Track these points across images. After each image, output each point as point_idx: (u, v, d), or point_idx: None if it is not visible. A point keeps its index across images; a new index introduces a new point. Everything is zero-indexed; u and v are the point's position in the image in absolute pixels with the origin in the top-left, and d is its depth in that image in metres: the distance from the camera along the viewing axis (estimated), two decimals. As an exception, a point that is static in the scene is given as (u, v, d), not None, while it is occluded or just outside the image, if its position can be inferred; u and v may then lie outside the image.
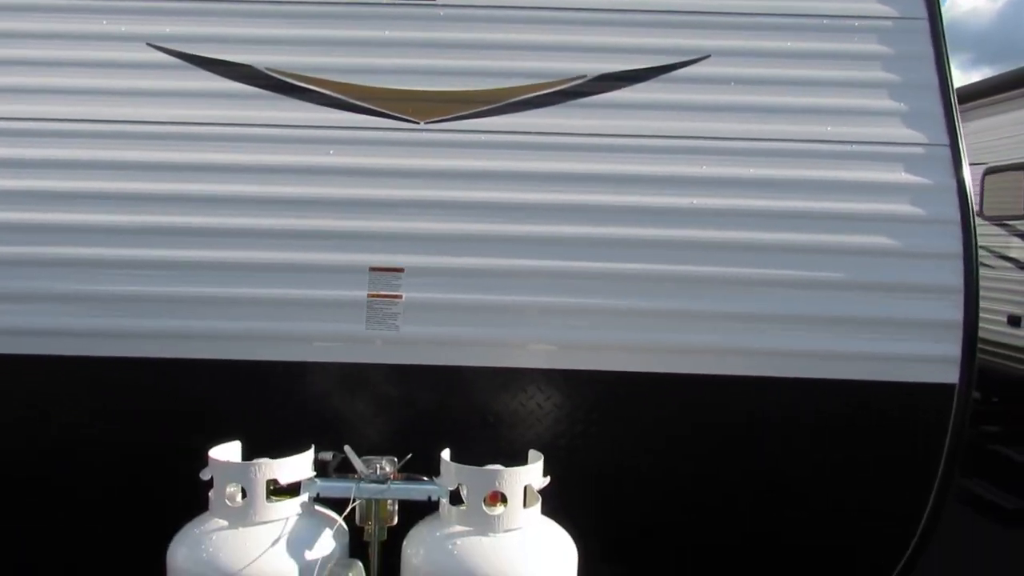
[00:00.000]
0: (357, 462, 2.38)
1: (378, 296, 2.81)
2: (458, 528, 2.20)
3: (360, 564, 2.04)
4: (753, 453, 2.91)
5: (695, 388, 2.83)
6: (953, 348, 2.82)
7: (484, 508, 2.18)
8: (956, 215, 2.86)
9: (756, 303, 2.82)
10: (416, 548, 2.19)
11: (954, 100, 3.00)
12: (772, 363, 2.83)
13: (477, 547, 2.13)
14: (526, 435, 2.84)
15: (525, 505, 2.26)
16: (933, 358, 2.84)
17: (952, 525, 5.64)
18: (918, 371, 2.84)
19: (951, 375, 2.83)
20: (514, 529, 2.19)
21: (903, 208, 2.88)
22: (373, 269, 2.82)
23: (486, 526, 2.17)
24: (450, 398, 2.83)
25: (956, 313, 2.82)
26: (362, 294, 2.80)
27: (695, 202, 2.88)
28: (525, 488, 2.24)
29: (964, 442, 2.88)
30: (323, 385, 2.79)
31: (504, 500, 2.25)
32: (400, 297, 2.81)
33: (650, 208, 2.87)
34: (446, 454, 2.36)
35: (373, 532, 2.35)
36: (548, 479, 2.33)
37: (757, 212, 2.87)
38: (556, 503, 2.47)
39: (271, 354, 2.77)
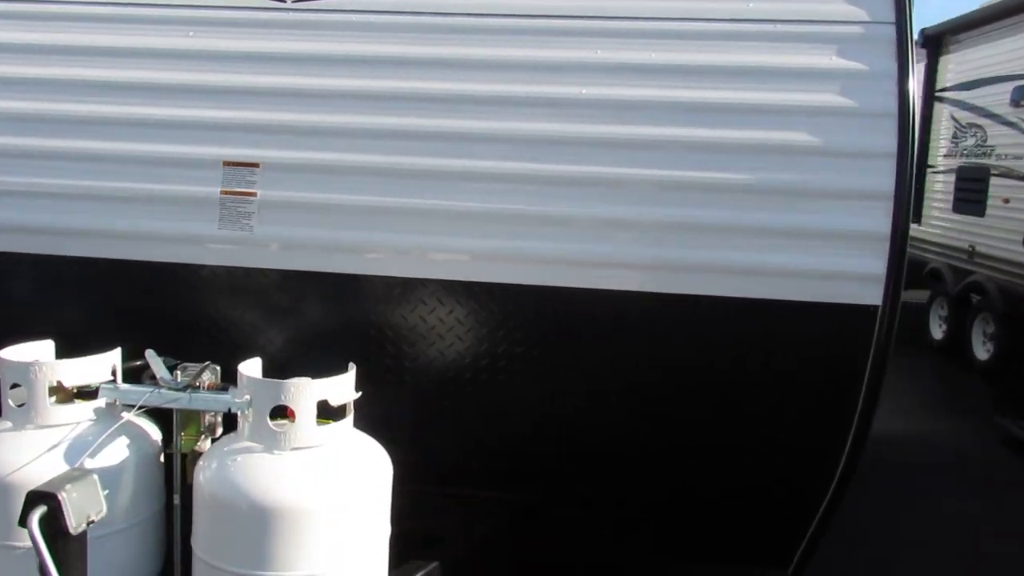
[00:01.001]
0: (158, 367, 2.21)
1: (231, 193, 2.59)
2: (245, 444, 2.01)
3: (94, 477, 1.88)
4: (648, 378, 2.60)
5: (575, 303, 2.52)
6: (876, 264, 2.41)
7: (269, 424, 1.97)
8: (893, 107, 2.41)
9: (647, 209, 2.46)
10: (207, 462, 2.02)
11: (906, -33, 2.50)
12: (666, 279, 2.48)
13: (256, 465, 1.94)
14: (385, 347, 2.61)
15: (336, 419, 2.05)
16: (853, 275, 2.44)
17: (993, 467, 5.37)
18: (835, 290, 2.45)
19: (874, 295, 2.43)
20: (303, 447, 1.98)
21: (829, 98, 2.43)
22: (227, 164, 2.60)
23: (271, 443, 1.97)
24: (304, 305, 2.61)
25: (883, 223, 2.40)
26: (215, 191, 2.59)
27: (584, 92, 2.51)
28: (324, 403, 2.02)
29: (884, 371, 2.49)
30: (173, 288, 2.62)
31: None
32: (255, 195, 2.58)
33: (532, 99, 2.52)
34: (246, 365, 2.16)
35: (176, 443, 2.19)
36: (359, 393, 2.11)
37: (655, 103, 2.48)
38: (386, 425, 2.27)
39: (113, 252, 2.60)
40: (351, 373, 2.11)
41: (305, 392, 1.96)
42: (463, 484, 2.87)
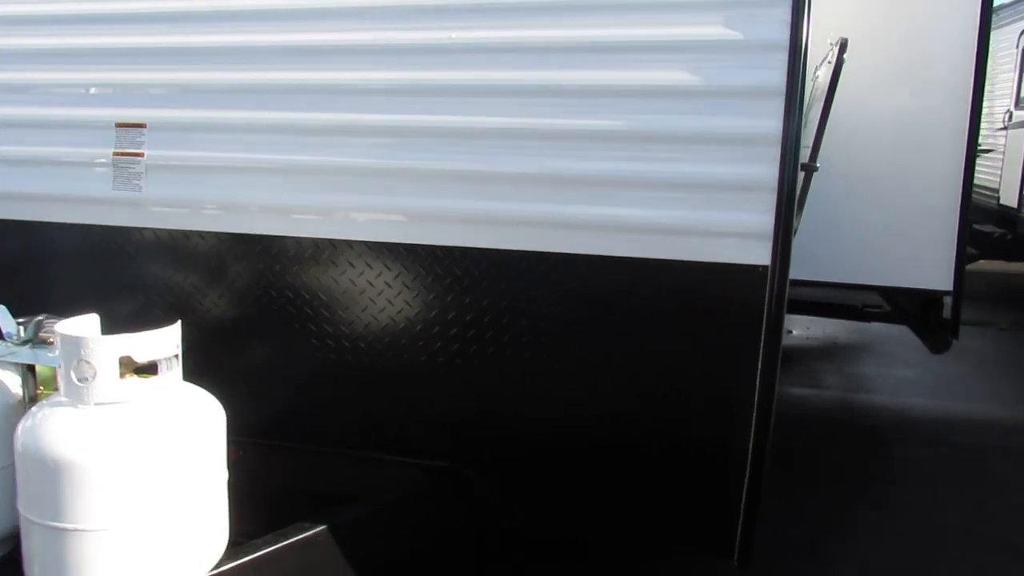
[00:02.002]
0: (5, 322, 2.27)
1: (123, 154, 2.62)
2: (60, 400, 2.03)
3: None
4: (531, 339, 2.44)
5: (419, 260, 2.39)
6: (763, 219, 2.14)
7: (74, 379, 1.99)
8: (782, 36, 2.10)
9: (506, 160, 2.29)
10: (28, 416, 2.07)
11: None
12: (532, 235, 2.31)
13: (57, 419, 1.96)
14: (266, 305, 2.59)
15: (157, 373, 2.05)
16: (734, 231, 2.18)
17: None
18: (718, 248, 2.20)
19: (761, 254, 2.16)
20: (107, 403, 1.98)
21: (705, 30, 2.16)
22: (119, 125, 2.63)
23: (76, 398, 1.99)
24: (188, 265, 2.62)
25: (769, 172, 2.12)
26: (109, 152, 2.63)
27: (454, 36, 2.36)
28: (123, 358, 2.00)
29: (780, 338, 2.21)
30: (71, 248, 2.70)
31: (142, 371, 2.06)
32: (142, 155, 2.60)
33: (392, 47, 2.39)
34: (71, 321, 2.17)
35: (24, 397, 2.26)
36: (179, 349, 2.09)
37: (516, 46, 2.29)
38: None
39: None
40: (170, 328, 2.09)
41: (103, 348, 1.96)
42: (380, 447, 2.84)
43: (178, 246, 2.61)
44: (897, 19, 4.67)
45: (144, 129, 2.59)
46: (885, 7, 4.69)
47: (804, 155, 2.55)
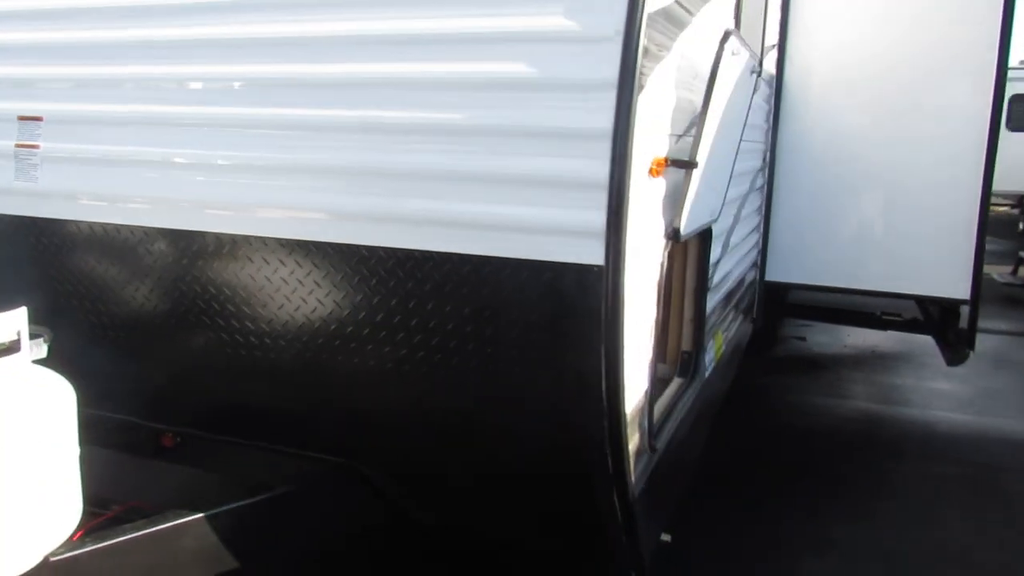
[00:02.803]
0: None
1: (23, 146, 2.72)
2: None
3: None
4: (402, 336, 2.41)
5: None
6: (594, 217, 2.04)
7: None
8: (612, 29, 2.00)
9: (333, 155, 2.26)
10: None
11: None
12: (360, 230, 2.28)
13: None
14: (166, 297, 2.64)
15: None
16: (569, 230, 2.09)
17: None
18: (553, 247, 2.11)
19: (594, 254, 2.06)
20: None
21: (538, 20, 2.07)
22: (21, 118, 2.73)
23: (-83, 382, 2.08)
24: (81, 256, 2.70)
25: (599, 168, 2.02)
26: (11, 144, 2.74)
27: (266, 30, 2.33)
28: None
29: (619, 343, 2.11)
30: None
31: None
32: (38, 147, 2.70)
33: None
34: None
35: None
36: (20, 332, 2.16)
37: (345, 39, 2.26)
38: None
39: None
40: (11, 313, 2.16)
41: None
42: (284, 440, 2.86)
43: (79, 237, 2.69)
44: (922, 47, 5.10)
45: (41, 122, 2.68)
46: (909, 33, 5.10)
47: (684, 151, 2.43)
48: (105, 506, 2.83)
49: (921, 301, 5.70)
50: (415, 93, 2.17)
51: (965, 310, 5.36)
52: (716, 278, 3.75)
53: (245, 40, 2.41)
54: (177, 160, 2.51)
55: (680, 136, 2.47)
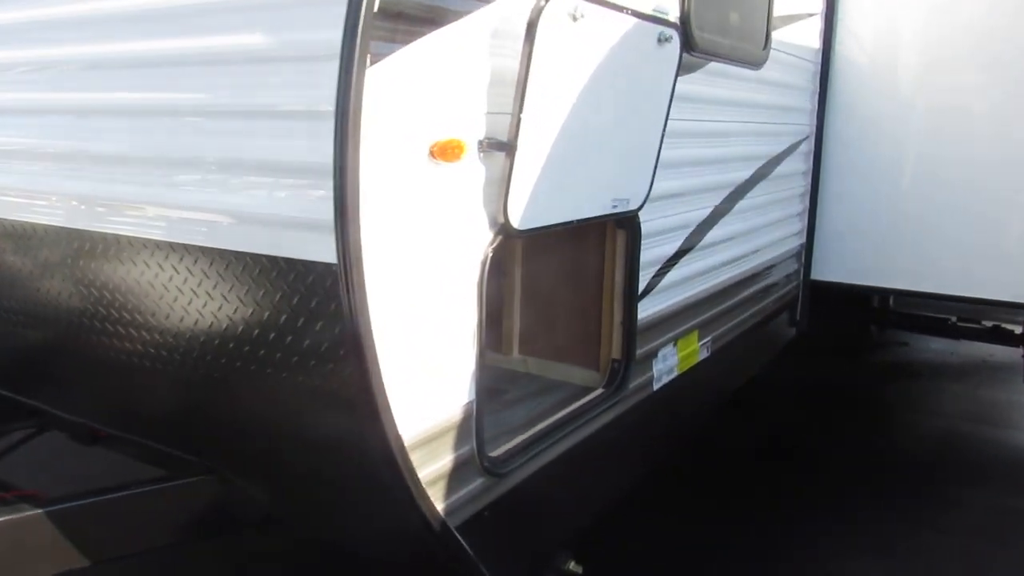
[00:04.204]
0: None
1: None
2: None
3: None
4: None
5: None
6: (320, 209, 1.77)
7: None
8: None
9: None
10: None
11: None
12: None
13: None
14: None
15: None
16: (299, 223, 1.83)
17: None
18: (288, 242, 1.87)
19: (324, 251, 1.80)
20: None
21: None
22: None
23: None
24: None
25: (323, 153, 1.75)
26: None
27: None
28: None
29: (365, 342, 1.83)
30: None
31: None
32: None
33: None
34: None
35: None
36: None
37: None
38: None
39: None
40: None
41: None
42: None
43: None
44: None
45: None
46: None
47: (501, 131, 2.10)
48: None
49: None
50: (123, 72, 1.99)
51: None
52: (674, 277, 3.32)
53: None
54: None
55: (518, 117, 2.13)
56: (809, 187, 4.90)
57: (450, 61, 1.96)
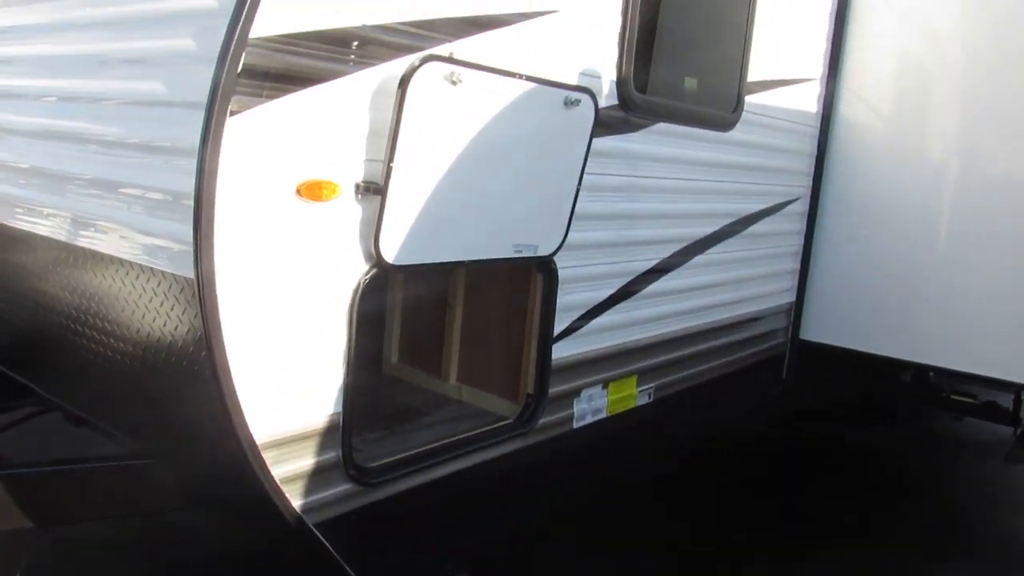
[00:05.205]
0: None
1: None
2: None
3: None
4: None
5: None
6: (182, 231, 2.10)
7: None
8: (211, 52, 2.06)
9: None
10: None
11: None
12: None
13: None
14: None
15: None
16: (164, 238, 2.17)
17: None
18: (151, 253, 2.23)
19: (185, 267, 2.12)
20: None
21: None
22: None
23: None
24: None
25: (187, 184, 2.08)
26: None
27: None
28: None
29: (217, 359, 2.14)
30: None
31: None
32: None
33: None
34: None
35: None
36: None
37: None
38: None
39: None
40: None
41: None
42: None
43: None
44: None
45: None
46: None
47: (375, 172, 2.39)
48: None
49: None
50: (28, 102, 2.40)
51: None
52: (605, 322, 3.51)
53: None
54: None
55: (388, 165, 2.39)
56: (802, 247, 4.96)
57: (327, 113, 2.27)
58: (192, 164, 2.04)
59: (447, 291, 3.53)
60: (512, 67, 2.64)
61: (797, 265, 4.97)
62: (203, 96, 2.03)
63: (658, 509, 4.57)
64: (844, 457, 5.93)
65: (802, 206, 4.88)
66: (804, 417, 5.82)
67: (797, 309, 5.03)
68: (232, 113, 2.04)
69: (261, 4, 2.04)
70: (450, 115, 2.47)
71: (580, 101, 2.87)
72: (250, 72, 2.07)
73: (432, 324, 3.60)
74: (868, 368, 4.98)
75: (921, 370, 4.82)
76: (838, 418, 6.10)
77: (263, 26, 2.07)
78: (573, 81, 2.98)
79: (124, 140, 2.30)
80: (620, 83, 3.24)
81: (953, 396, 5.03)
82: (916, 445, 6.34)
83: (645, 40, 3.35)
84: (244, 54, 2.03)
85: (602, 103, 3.12)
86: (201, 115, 2.03)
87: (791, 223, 4.81)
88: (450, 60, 2.41)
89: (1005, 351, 4.51)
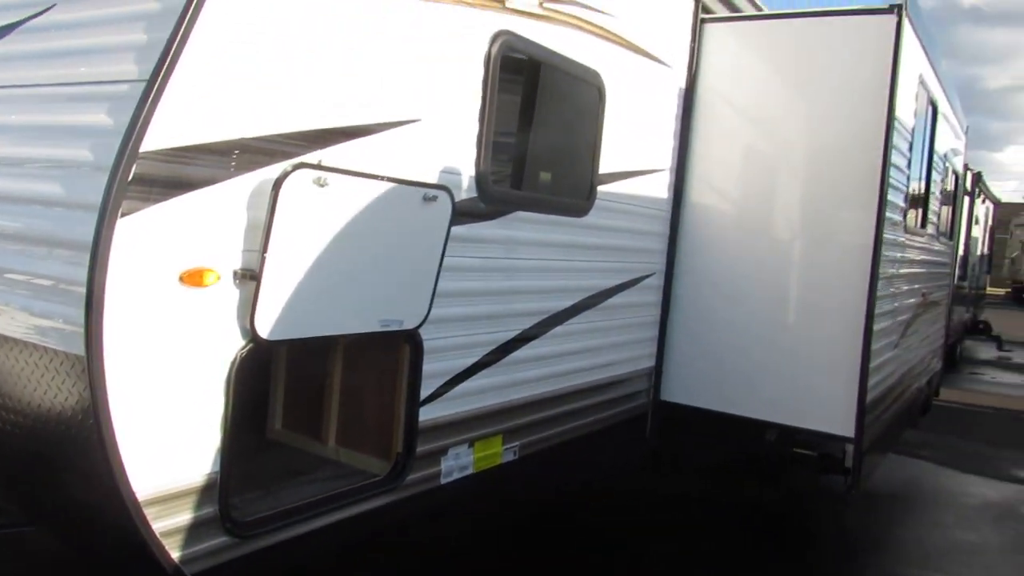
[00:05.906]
0: None
1: None
2: None
3: None
4: None
5: None
6: (75, 313, 2.44)
7: None
8: (104, 161, 2.44)
9: None
10: None
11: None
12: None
13: None
14: None
15: None
16: (59, 320, 2.50)
17: None
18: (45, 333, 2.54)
19: (76, 345, 2.45)
20: None
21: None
22: None
23: None
24: None
25: (80, 274, 2.43)
26: None
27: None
28: None
29: (101, 425, 2.45)
30: None
31: None
32: None
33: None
34: None
35: None
36: None
37: None
38: None
39: None
40: None
41: None
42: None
43: None
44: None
45: None
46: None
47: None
48: None
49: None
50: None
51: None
52: (469, 387, 3.92)
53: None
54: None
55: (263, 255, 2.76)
56: (659, 316, 5.53)
57: (209, 212, 2.65)
58: (86, 257, 2.39)
59: (326, 361, 3.89)
60: (376, 170, 3.09)
61: (655, 332, 5.53)
62: (97, 199, 2.40)
63: (522, 559, 4.95)
64: (703, 513, 6.43)
65: (657, 280, 5.46)
66: (678, 474, 6.31)
67: (657, 372, 5.57)
68: (123, 214, 2.41)
69: (152, 123, 2.43)
70: (318, 212, 2.89)
71: (437, 197, 3.34)
72: (139, 180, 2.44)
73: (313, 391, 3.94)
74: (729, 427, 5.53)
75: (785, 430, 5.38)
76: (707, 475, 6.62)
77: (152, 140, 2.46)
78: (435, 179, 3.45)
79: (24, 234, 2.62)
80: (479, 179, 3.73)
81: (795, 450, 5.63)
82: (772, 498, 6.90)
83: (501, 141, 3.87)
84: (135, 165, 2.41)
85: (463, 196, 3.60)
86: (95, 216, 2.39)
87: (647, 295, 5.38)
88: (318, 167, 2.84)
89: (835, 408, 5.13)
